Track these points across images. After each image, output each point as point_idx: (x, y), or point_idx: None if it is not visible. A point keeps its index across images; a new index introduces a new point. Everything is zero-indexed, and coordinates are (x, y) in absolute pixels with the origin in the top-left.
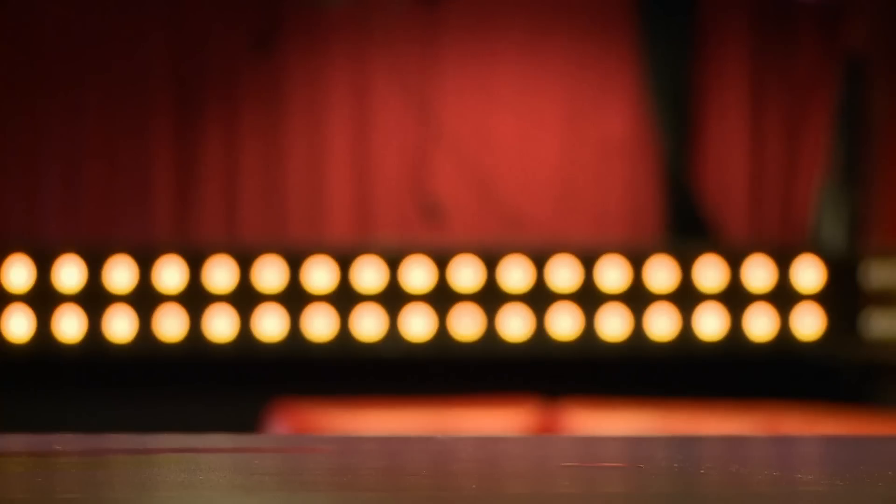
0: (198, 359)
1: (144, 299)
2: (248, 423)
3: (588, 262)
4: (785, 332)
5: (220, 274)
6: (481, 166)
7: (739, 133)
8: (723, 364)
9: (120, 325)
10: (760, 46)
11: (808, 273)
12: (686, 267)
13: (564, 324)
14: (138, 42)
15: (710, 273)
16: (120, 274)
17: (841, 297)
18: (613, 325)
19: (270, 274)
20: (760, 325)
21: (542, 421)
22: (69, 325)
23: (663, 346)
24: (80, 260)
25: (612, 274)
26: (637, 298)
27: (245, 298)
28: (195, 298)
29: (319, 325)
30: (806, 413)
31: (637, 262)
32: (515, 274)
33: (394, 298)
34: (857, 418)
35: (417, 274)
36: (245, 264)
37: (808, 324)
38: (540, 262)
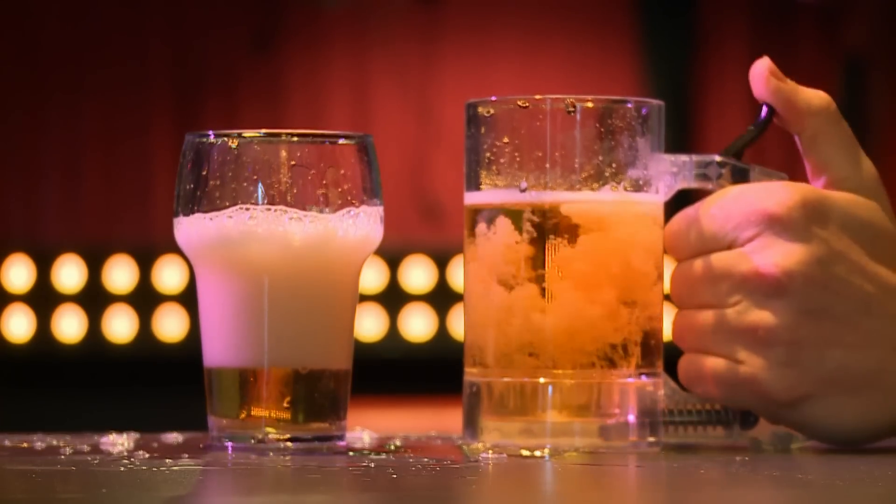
0: (198, 359)
1: (145, 299)
2: None
3: None
4: None
5: None
6: None
7: (739, 133)
8: None
9: (120, 325)
10: (760, 46)
11: None
12: None
13: None
14: (138, 42)
15: None
16: (120, 274)
17: None
18: None
19: None
20: None
21: None
22: (69, 325)
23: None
24: (80, 260)
25: None
26: None
27: None
28: (196, 299)
29: None
30: None
31: None
32: None
33: (393, 298)
34: None
35: (417, 274)
36: None
37: None
38: None
